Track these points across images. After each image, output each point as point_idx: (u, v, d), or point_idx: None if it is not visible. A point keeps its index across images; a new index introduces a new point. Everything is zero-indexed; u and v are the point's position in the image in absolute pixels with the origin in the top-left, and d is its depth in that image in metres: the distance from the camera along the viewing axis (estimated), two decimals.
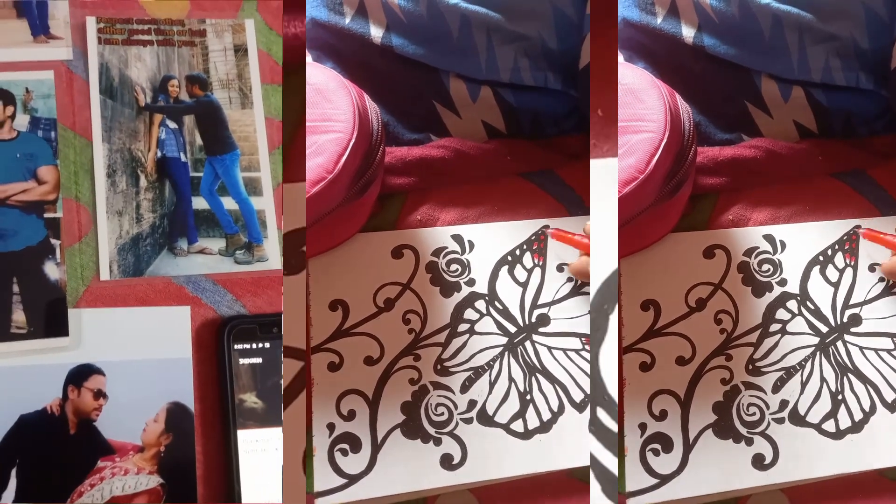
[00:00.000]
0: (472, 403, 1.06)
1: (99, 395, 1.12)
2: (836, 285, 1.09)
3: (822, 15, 1.09)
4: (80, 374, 1.13)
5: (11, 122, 1.18)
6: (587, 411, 1.06)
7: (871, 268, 1.09)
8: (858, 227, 1.11)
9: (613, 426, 1.03)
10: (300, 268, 1.09)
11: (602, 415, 1.04)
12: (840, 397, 1.05)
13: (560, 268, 1.10)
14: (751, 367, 1.06)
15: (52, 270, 1.14)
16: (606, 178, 1.08)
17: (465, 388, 1.06)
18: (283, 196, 1.17)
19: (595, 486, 1.03)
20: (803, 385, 1.05)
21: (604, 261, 1.07)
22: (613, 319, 1.06)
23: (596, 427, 1.04)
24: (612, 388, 1.04)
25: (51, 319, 1.13)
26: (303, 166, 1.04)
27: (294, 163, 1.15)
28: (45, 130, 1.18)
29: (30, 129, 1.18)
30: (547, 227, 1.11)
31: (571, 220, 1.12)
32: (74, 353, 1.13)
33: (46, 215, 1.16)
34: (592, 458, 1.03)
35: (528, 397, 1.06)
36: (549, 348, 1.08)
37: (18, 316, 1.13)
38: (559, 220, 1.12)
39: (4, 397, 1.11)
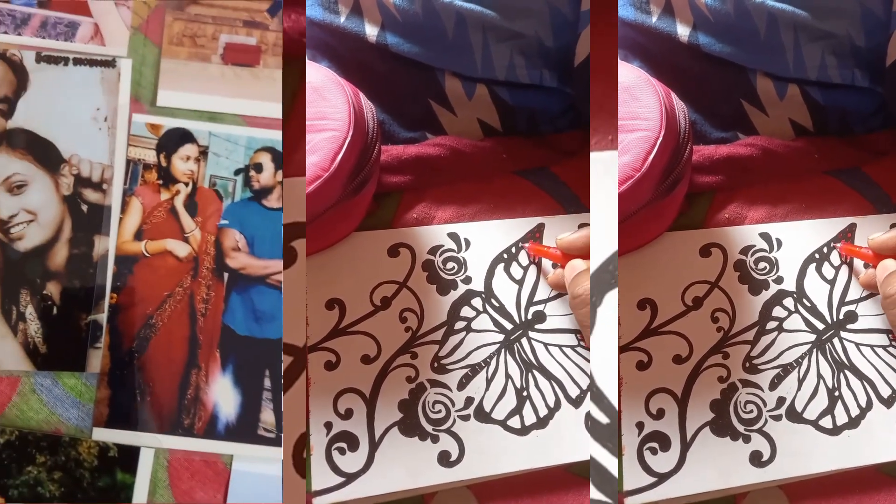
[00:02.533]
0: (469, 400, 1.05)
1: None
2: (831, 283, 1.09)
3: (818, 13, 1.09)
4: None
5: (282, 188, 1.11)
6: (583, 407, 1.06)
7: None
8: (851, 230, 1.11)
9: (612, 425, 1.03)
10: (292, 260, 1.09)
11: (599, 414, 1.04)
12: (837, 394, 1.05)
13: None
14: (748, 364, 1.06)
15: None
16: (606, 167, 1.08)
17: (462, 386, 1.06)
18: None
19: (593, 486, 1.03)
20: (800, 382, 1.05)
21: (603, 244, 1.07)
22: (609, 313, 1.06)
23: (593, 426, 1.04)
24: (609, 388, 1.04)
25: None
26: (303, 162, 1.04)
27: (293, 157, 1.14)
28: None
29: None
30: (542, 224, 1.12)
31: (567, 217, 1.12)
32: None
33: None
34: (592, 458, 1.03)
35: (525, 394, 1.06)
36: (546, 345, 1.08)
37: (267, 416, 1.07)
38: (555, 217, 1.12)
39: None
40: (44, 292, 1.07)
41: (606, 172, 1.07)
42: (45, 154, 1.08)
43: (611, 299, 1.06)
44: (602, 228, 1.07)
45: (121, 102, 1.09)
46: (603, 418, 1.04)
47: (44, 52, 1.10)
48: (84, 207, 1.08)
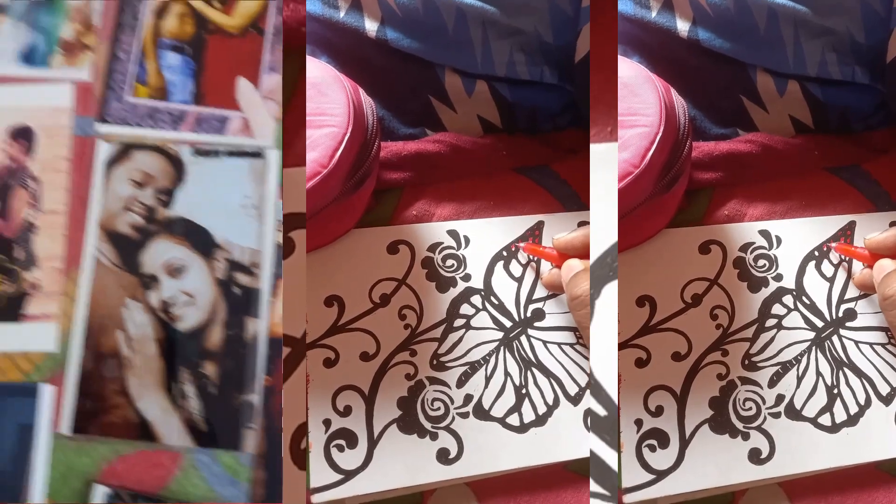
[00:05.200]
0: (468, 398, 1.05)
1: None
2: (831, 280, 1.09)
3: (818, 9, 1.09)
4: None
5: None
6: (582, 404, 1.06)
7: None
8: (851, 228, 1.11)
9: (611, 418, 1.03)
10: (290, 251, 1.10)
11: (599, 410, 1.04)
12: (836, 391, 1.05)
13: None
14: (747, 362, 1.06)
15: None
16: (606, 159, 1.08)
17: (461, 383, 1.06)
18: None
19: (593, 482, 1.03)
20: (799, 379, 1.05)
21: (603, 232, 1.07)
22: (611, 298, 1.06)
23: (594, 422, 1.04)
24: (609, 384, 1.04)
25: None
26: (302, 152, 1.04)
27: (293, 147, 1.14)
28: None
29: None
30: (542, 222, 1.12)
31: (567, 215, 1.12)
32: None
33: None
34: (592, 453, 1.03)
35: (524, 391, 1.06)
36: (544, 342, 1.08)
37: None
38: (554, 215, 1.12)
39: None
40: (201, 371, 1.11)
41: (606, 165, 1.07)
42: (200, 240, 1.13)
43: (610, 292, 1.06)
44: (602, 220, 1.07)
45: (268, 190, 1.14)
46: (601, 411, 1.04)
47: (198, 146, 1.15)
48: (237, 290, 1.13)
